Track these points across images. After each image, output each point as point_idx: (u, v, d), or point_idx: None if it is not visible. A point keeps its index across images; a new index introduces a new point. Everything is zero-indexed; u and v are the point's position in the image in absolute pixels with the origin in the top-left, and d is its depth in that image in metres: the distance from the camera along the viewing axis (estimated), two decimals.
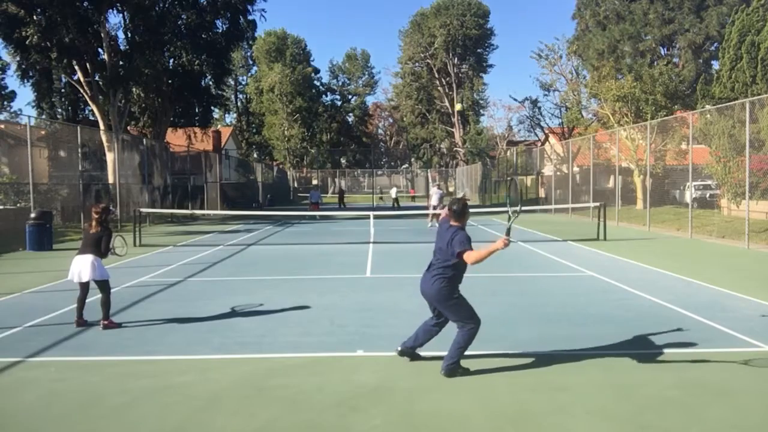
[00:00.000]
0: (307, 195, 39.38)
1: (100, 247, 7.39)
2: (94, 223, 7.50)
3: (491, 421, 4.54)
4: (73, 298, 7.65)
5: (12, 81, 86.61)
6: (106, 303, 7.36)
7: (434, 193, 24.15)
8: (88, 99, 28.00)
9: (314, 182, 71.36)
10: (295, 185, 67.85)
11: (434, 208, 22.19)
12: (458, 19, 65.03)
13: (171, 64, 30.64)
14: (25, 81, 28.72)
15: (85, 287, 7.45)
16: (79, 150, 21.35)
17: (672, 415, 4.63)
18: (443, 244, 5.47)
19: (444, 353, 5.56)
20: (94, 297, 7.65)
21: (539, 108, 53.81)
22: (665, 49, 40.11)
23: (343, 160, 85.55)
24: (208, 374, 5.67)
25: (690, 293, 9.26)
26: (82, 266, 7.30)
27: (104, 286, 7.38)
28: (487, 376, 5.51)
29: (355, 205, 47.69)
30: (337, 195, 47.70)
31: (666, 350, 6.26)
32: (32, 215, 16.22)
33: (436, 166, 74.24)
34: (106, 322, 7.34)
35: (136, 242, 16.89)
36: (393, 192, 43.89)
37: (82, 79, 26.95)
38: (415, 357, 5.93)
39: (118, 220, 23.29)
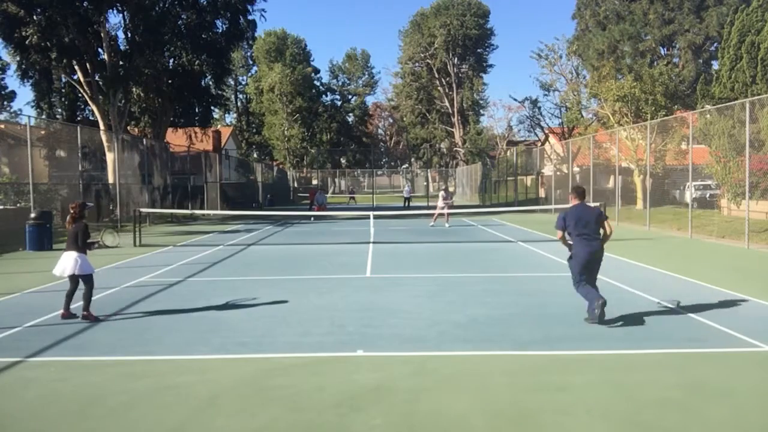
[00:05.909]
0: (307, 195, 39.36)
1: (78, 242, 7.70)
2: (69, 219, 7.86)
3: (491, 421, 4.54)
4: (73, 298, 7.74)
5: (12, 81, 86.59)
6: (87, 296, 7.73)
7: (440, 197, 24.72)
8: (88, 99, 28.01)
9: (314, 182, 71.28)
10: (295, 185, 67.77)
11: (442, 209, 23.38)
12: (458, 19, 65.09)
13: (171, 64, 30.63)
14: (25, 81, 28.79)
15: (74, 281, 7.80)
16: (79, 150, 21.33)
17: (672, 415, 4.62)
18: None
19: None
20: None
21: (539, 108, 53.89)
22: (665, 49, 40.12)
23: (343, 160, 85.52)
24: (207, 374, 5.67)
25: (690, 293, 9.25)
26: (66, 262, 7.71)
27: (87, 280, 7.77)
28: (487, 376, 5.50)
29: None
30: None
31: (666, 350, 6.26)
32: (32, 215, 16.22)
33: (436, 166, 74.22)
34: (85, 313, 7.71)
35: (136, 242, 16.90)
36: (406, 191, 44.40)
37: (81, 79, 26.95)
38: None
39: (117, 219, 23.29)
